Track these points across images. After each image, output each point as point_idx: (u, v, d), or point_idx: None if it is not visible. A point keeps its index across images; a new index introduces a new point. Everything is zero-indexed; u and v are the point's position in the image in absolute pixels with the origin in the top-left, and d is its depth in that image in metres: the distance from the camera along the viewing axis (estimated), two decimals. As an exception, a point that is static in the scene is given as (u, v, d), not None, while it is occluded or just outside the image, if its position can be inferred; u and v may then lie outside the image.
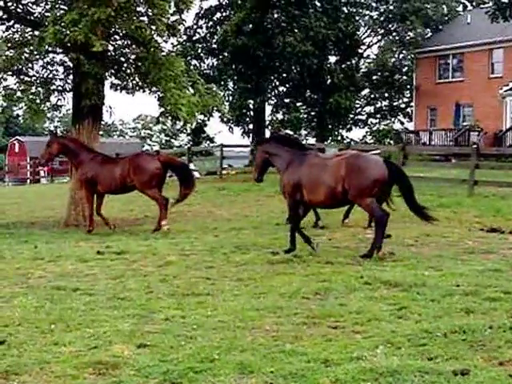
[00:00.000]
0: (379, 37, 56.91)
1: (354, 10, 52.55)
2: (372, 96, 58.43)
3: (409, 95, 54.80)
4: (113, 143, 72.17)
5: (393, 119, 60.51)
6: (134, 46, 19.23)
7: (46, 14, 18.80)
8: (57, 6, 18.97)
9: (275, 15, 46.81)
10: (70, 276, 10.34)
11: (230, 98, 48.87)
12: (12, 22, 19.12)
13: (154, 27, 18.29)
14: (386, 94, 57.96)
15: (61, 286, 9.46)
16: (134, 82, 19.39)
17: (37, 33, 18.26)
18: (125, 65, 19.40)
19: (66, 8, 18.35)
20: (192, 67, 39.34)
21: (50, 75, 19.44)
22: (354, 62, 53.29)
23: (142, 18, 18.53)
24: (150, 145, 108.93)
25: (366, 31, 55.72)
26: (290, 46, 43.58)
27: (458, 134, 41.89)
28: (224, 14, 48.90)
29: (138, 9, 18.51)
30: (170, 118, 20.25)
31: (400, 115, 59.15)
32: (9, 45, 18.36)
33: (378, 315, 7.41)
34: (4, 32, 18.96)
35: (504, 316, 7.20)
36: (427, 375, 5.49)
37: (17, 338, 6.88)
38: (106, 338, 6.83)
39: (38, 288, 9.40)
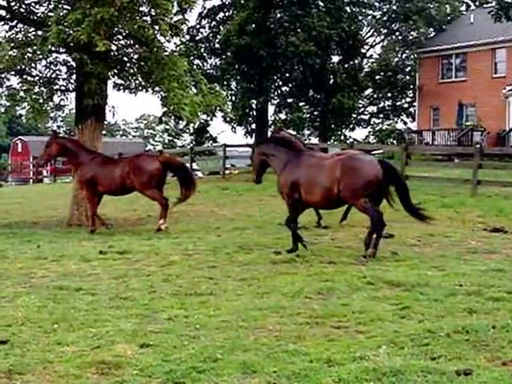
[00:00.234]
0: (382, 36, 56.81)
1: (357, 10, 52.42)
2: (375, 96, 58.35)
3: (412, 95, 54.70)
4: (116, 143, 72.25)
5: (396, 119, 60.41)
6: (136, 46, 19.24)
7: (49, 13, 18.81)
8: (60, 5, 18.99)
9: (278, 15, 46.73)
10: (72, 276, 10.35)
11: (233, 97, 48.82)
12: (15, 21, 19.14)
13: (156, 27, 18.29)
14: (389, 94, 57.85)
15: (63, 285, 9.47)
16: (137, 81, 19.39)
17: (40, 33, 18.28)
18: (128, 64, 19.40)
19: (69, 8, 18.36)
20: (195, 67, 39.29)
21: (53, 75, 19.46)
22: (356, 61, 53.20)
23: (144, 18, 18.54)
24: (153, 144, 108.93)
25: (369, 31, 55.63)
26: (292, 45, 43.53)
27: (460, 134, 41.85)
28: (227, 13, 48.87)
29: (141, 9, 18.52)
30: (172, 117, 20.30)
31: (403, 115, 59.05)
32: (12, 44, 18.36)
33: (380, 315, 7.41)
34: (7, 32, 19.01)
35: (507, 316, 7.19)
36: (430, 375, 5.49)
37: (20, 338, 6.89)
38: (108, 337, 6.83)
39: (41, 288, 9.41)
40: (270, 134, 46.51)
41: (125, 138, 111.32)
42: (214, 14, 48.80)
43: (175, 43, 36.83)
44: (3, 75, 18.73)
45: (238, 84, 49.79)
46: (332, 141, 52.57)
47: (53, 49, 18.38)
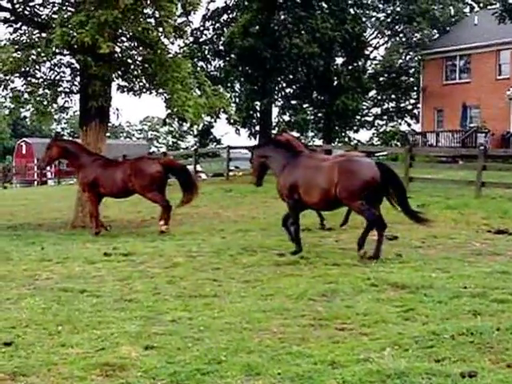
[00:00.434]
0: (386, 38, 56.81)
1: (361, 12, 52.41)
2: (379, 97, 58.36)
3: (416, 97, 54.68)
4: (120, 145, 72.35)
5: (400, 121, 60.45)
6: (140, 48, 19.25)
7: (54, 16, 18.83)
8: (64, 8, 19.02)
9: (282, 17, 46.73)
10: (77, 278, 10.36)
11: (237, 99, 48.83)
12: (19, 23, 19.15)
13: (160, 29, 18.32)
14: (393, 96, 57.87)
15: (68, 287, 9.48)
16: (141, 83, 19.41)
17: (44, 35, 18.30)
18: (132, 66, 19.42)
19: (73, 10, 18.38)
20: (199, 69, 39.32)
21: (57, 77, 19.47)
22: (360, 63, 53.19)
23: (148, 20, 18.56)
24: (156, 147, 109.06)
25: (373, 33, 55.61)
26: (296, 47, 43.53)
27: (465, 136, 41.80)
28: (231, 15, 48.89)
29: (145, 11, 18.53)
30: (176, 119, 20.29)
31: (407, 117, 59.07)
32: (16, 47, 18.37)
33: (385, 317, 7.40)
34: (11, 34, 18.98)
35: (512, 318, 7.18)
36: (434, 377, 5.48)
37: (24, 340, 6.90)
38: (113, 339, 6.84)
39: (45, 289, 9.42)
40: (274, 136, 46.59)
41: (129, 140, 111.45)
42: (217, 15, 48.83)
43: (179, 45, 36.83)
44: (7, 77, 18.73)
45: (241, 86, 49.83)
46: (336, 143, 52.53)
47: (57, 51, 18.40)
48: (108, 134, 22.46)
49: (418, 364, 5.77)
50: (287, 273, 10.28)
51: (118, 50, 18.88)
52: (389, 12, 54.16)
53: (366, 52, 54.50)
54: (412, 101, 57.24)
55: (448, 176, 24.07)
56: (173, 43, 19.64)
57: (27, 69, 18.69)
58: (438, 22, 51.80)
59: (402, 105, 58.88)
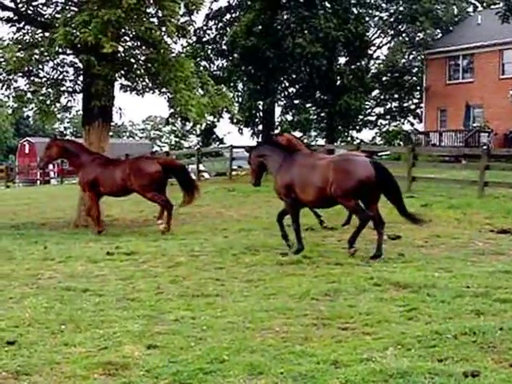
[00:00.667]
0: (389, 38, 56.69)
1: (364, 11, 52.36)
2: (382, 97, 58.28)
3: (419, 96, 54.60)
4: (122, 144, 72.35)
5: (402, 120, 60.33)
6: (143, 48, 19.26)
7: (57, 15, 18.83)
8: (67, 7, 19.02)
9: (285, 16, 46.68)
10: (79, 277, 10.37)
11: (240, 99, 48.82)
12: (22, 23, 19.16)
13: (163, 28, 18.30)
14: (396, 95, 57.76)
15: (71, 286, 9.49)
16: (144, 83, 19.41)
17: (47, 34, 18.30)
18: (135, 66, 19.41)
19: (76, 9, 18.38)
20: (202, 68, 39.32)
21: (60, 76, 19.47)
22: (363, 63, 53.13)
23: (151, 20, 18.55)
24: (159, 146, 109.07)
25: (376, 32, 55.52)
26: (299, 47, 43.50)
27: (468, 135, 41.74)
28: (234, 15, 48.90)
29: (148, 10, 18.53)
30: (179, 118, 20.28)
31: (410, 116, 58.98)
32: (19, 46, 18.37)
33: (387, 316, 7.40)
34: (14, 33, 18.99)
35: (514, 318, 7.18)
36: (437, 377, 5.48)
37: (27, 339, 6.91)
38: (115, 338, 6.85)
39: (48, 289, 9.43)
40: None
41: (132, 140, 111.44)
42: (220, 15, 48.86)
43: (182, 45, 36.79)
44: (11, 77, 18.74)
45: (244, 85, 49.80)
46: (339, 142, 52.49)
47: (60, 50, 18.41)
48: (111, 134, 22.46)
49: (421, 363, 5.77)
50: (290, 272, 10.29)
51: (121, 49, 18.89)
52: (392, 11, 54.08)
53: (369, 51, 54.44)
54: (415, 100, 57.15)
55: (451, 176, 24.05)
56: (176, 43, 19.62)
57: (30, 68, 18.70)
58: (441, 21, 51.69)
59: (405, 104, 58.78)
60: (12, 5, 19.13)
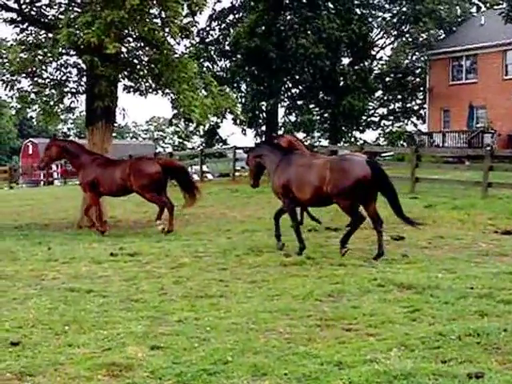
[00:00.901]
0: (392, 38, 56.67)
1: (367, 12, 52.37)
2: (385, 98, 58.23)
3: (422, 97, 54.56)
4: (126, 145, 72.47)
5: (406, 121, 60.28)
6: (147, 48, 19.28)
7: (60, 16, 18.85)
8: (70, 8, 19.05)
9: (288, 17, 46.72)
10: (83, 278, 10.38)
11: (243, 99, 48.80)
12: (26, 24, 19.19)
13: (167, 29, 18.33)
14: (399, 96, 57.72)
15: (74, 287, 9.50)
16: (147, 83, 19.43)
17: (50, 35, 18.33)
18: (138, 67, 19.44)
19: (79, 10, 18.42)
20: (205, 69, 39.34)
21: (64, 77, 19.49)
22: (366, 63, 53.09)
23: (155, 21, 18.57)
24: (162, 147, 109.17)
25: (379, 33, 55.50)
26: (302, 47, 43.52)
27: (471, 136, 41.68)
28: (237, 16, 48.93)
29: (151, 11, 18.54)
30: (183, 119, 20.27)
31: (413, 117, 58.92)
32: (23, 47, 18.41)
33: (391, 317, 7.39)
34: (18, 34, 19.03)
35: (518, 319, 7.16)
36: (441, 378, 5.47)
37: (31, 340, 6.91)
38: (119, 339, 6.85)
39: (52, 289, 9.43)
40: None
41: (135, 140, 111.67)
42: (224, 16, 48.87)
43: (185, 45, 36.84)
44: (14, 77, 18.77)
45: (248, 86, 49.79)
46: (342, 143, 52.46)
47: (63, 51, 18.44)
48: (114, 134, 22.49)
49: (425, 365, 5.76)
50: (293, 273, 10.28)
51: (124, 50, 18.91)
52: (395, 12, 54.05)
53: (373, 52, 54.42)
54: (418, 101, 57.10)
55: (454, 176, 24.04)
56: (179, 43, 19.67)
57: (34, 69, 18.72)
58: (444, 22, 51.66)
59: (409, 105, 58.73)
60: (15, 6, 19.16)
